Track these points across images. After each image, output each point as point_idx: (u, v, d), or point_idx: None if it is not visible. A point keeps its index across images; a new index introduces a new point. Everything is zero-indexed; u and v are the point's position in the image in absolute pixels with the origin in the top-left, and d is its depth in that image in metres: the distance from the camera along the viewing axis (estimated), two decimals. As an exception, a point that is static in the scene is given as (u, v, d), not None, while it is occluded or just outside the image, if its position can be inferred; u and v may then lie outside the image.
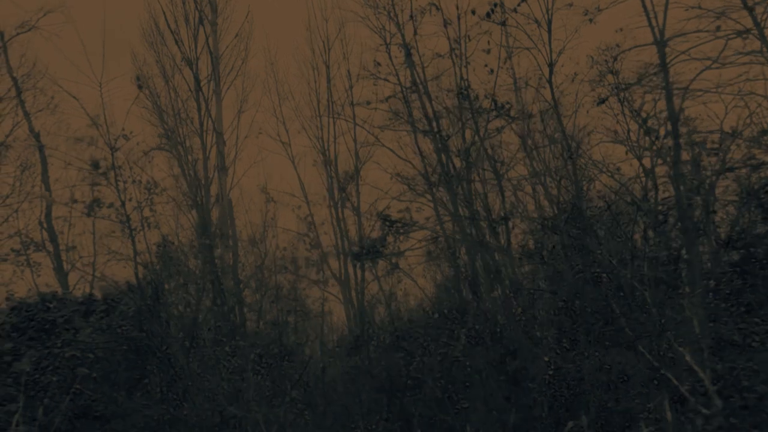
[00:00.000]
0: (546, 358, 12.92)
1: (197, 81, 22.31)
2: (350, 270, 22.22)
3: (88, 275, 20.40)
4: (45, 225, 19.95)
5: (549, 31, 17.45)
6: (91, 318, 16.05)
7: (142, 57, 22.74)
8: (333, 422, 14.65)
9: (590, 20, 15.11)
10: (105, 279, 19.15)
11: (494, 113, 18.01)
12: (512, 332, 13.16)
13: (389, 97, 19.30)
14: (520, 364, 12.19)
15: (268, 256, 23.02)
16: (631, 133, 18.21)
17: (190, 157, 22.55)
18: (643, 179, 17.90)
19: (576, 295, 13.27)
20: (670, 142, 15.75)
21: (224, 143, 22.53)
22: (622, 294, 12.48)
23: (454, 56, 18.01)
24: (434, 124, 17.58)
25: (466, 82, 17.85)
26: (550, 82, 17.58)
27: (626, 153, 18.25)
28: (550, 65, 17.53)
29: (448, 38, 18.18)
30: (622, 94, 17.26)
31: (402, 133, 20.04)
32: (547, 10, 17.35)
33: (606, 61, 18.00)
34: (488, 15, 17.92)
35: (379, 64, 19.07)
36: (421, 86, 18.12)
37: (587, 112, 18.17)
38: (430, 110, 18.56)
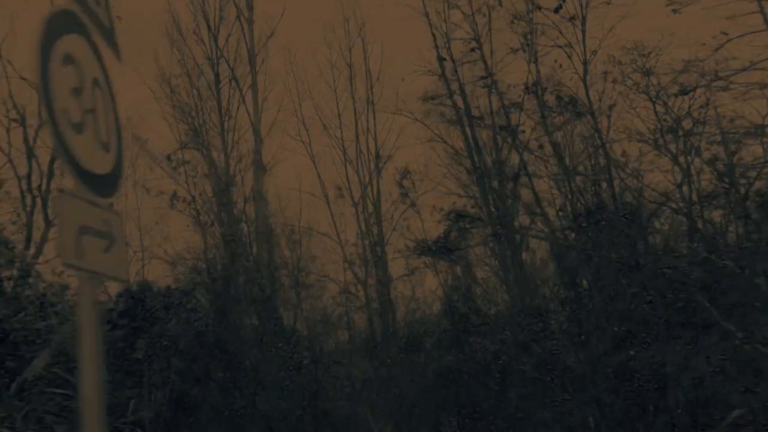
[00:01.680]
0: (632, 352, 13.39)
1: (234, 79, 22.64)
2: (371, 269, 22.75)
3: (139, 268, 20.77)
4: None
5: (583, 30, 18.12)
6: (171, 310, 16.42)
7: (164, 56, 23.08)
8: (426, 416, 15.09)
9: (674, 11, 15.38)
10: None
11: (563, 109, 18.55)
12: (609, 325, 13.66)
13: (454, 93, 19.80)
14: (624, 357, 12.71)
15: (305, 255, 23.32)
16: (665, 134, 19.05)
17: (222, 156, 22.80)
18: (679, 177, 18.68)
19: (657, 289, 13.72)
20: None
21: (261, 141, 22.85)
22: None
23: (523, 51, 18.52)
24: (505, 119, 18.06)
25: (536, 77, 18.41)
26: (584, 80, 18.21)
27: (657, 150, 19.10)
28: (585, 63, 18.15)
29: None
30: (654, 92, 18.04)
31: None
32: (582, 8, 18.08)
33: (634, 60, 18.83)
34: (556, 10, 18.48)
35: (444, 59, 19.54)
36: (490, 80, 18.60)
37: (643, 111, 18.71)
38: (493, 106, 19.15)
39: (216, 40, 23.15)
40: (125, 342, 13.17)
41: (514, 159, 19.75)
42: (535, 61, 18.71)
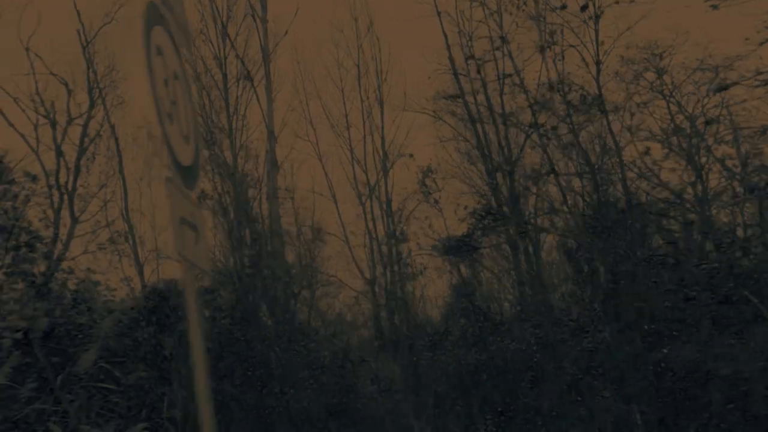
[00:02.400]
0: (665, 350, 13.32)
1: (250, 79, 22.67)
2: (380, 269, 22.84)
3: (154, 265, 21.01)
4: (125, 215, 20.47)
5: (596, 29, 18.01)
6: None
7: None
8: (461, 414, 15.10)
9: (713, 7, 15.08)
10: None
11: (588, 107, 18.49)
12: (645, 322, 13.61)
13: (477, 91, 19.81)
14: (663, 354, 12.65)
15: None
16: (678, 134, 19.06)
17: (231, 156, 22.76)
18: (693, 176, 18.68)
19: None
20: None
21: (276, 140, 22.87)
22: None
23: (549, 50, 18.47)
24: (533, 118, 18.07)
25: (561, 76, 18.36)
26: (597, 80, 18.07)
27: (666, 150, 19.10)
28: (597, 63, 18.04)
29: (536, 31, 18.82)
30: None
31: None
32: (596, 7, 17.92)
33: (647, 59, 18.79)
34: (583, 9, 18.38)
35: (472, 57, 19.51)
36: (517, 77, 18.60)
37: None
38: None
39: (229, 38, 23.17)
40: (156, 339, 13.22)
41: (530, 157, 19.93)
42: (562, 59, 18.66)
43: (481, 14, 20.15)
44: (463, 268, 20.71)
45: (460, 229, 20.13)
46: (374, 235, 22.93)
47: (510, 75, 18.80)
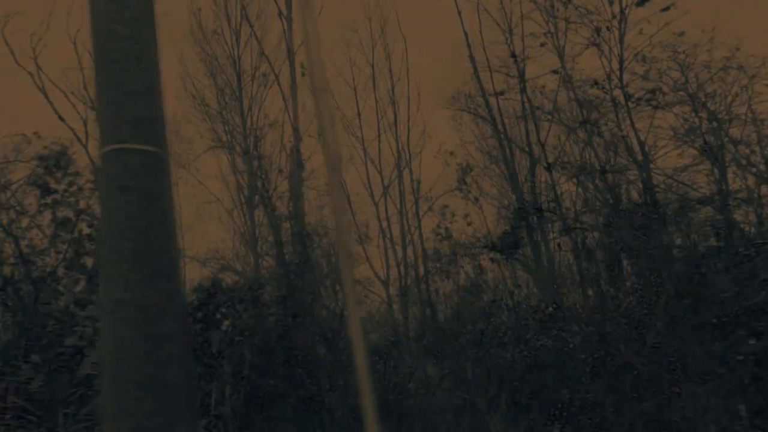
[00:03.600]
0: (752, 341, 13.06)
1: (280, 77, 22.74)
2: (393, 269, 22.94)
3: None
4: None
5: (620, 28, 17.92)
6: (242, 305, 16.51)
7: (187, 55, 23.30)
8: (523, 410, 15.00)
9: None
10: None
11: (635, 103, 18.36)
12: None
13: (522, 89, 19.74)
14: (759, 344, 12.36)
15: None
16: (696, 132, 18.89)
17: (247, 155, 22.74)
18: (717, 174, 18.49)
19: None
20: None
21: (301, 139, 22.87)
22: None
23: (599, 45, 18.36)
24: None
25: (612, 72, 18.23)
26: (621, 79, 18.04)
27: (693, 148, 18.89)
28: (621, 62, 17.94)
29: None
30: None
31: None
32: (621, 7, 17.88)
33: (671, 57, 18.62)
34: (639, 4, 18.21)
35: (514, 55, 19.44)
36: (564, 72, 18.53)
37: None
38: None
39: (255, 36, 23.25)
40: (202, 336, 13.23)
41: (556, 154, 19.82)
42: (610, 55, 18.55)
43: (519, 12, 20.24)
44: (480, 266, 20.75)
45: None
46: (388, 235, 23.00)
47: (557, 71, 18.72)
